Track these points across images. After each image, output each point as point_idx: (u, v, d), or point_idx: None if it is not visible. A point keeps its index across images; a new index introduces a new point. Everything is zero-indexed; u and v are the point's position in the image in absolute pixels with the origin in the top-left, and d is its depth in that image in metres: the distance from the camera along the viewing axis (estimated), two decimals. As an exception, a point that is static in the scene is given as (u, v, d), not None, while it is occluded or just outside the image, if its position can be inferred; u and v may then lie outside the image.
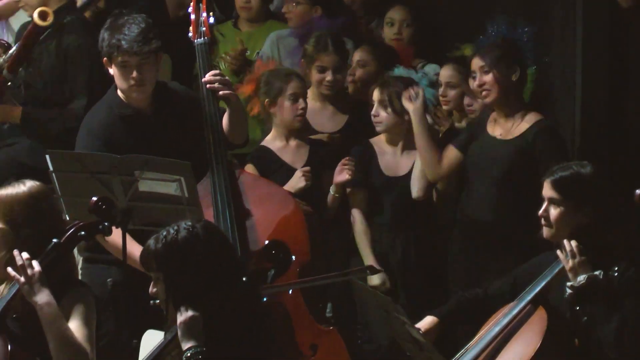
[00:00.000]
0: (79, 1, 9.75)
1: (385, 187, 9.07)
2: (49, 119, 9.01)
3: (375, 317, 8.15)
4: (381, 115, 8.98)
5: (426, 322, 7.37)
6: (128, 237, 7.49)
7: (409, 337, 6.85)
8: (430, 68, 9.63)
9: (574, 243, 7.03)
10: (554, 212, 7.15)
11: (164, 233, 6.23)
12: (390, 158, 9.07)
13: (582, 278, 6.96)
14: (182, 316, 6.16)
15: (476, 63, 8.74)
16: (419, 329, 7.13)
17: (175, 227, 6.23)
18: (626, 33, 9.73)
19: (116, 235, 7.28)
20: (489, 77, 8.61)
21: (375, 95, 9.01)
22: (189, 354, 6.06)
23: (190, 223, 6.31)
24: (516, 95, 8.70)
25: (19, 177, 7.08)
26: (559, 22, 10.11)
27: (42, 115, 9.07)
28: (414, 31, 10.23)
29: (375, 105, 8.99)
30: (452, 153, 8.82)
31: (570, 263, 6.98)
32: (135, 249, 7.47)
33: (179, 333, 6.17)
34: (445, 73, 9.40)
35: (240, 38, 10.40)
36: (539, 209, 7.35)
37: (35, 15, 8.80)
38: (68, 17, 9.01)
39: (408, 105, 8.85)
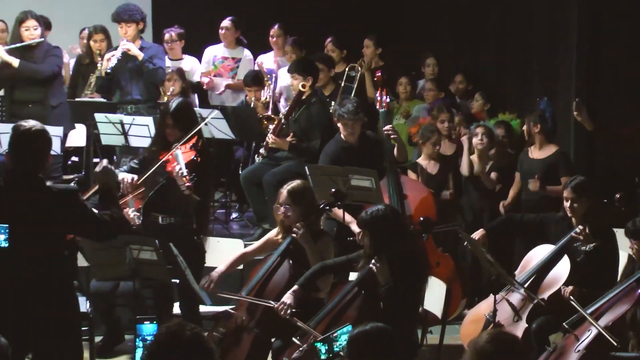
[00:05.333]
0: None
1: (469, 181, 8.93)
2: (303, 149, 8.79)
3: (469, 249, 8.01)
4: (485, 142, 8.77)
5: (478, 233, 7.32)
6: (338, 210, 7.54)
7: (486, 259, 6.77)
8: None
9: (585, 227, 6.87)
10: (574, 203, 6.99)
11: (370, 210, 6.26)
12: (479, 165, 8.81)
13: (591, 246, 6.89)
14: (380, 261, 6.10)
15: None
16: (490, 254, 6.90)
17: (377, 208, 6.28)
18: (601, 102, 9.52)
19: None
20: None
21: (480, 130, 8.84)
22: (386, 288, 6.07)
23: (384, 207, 6.36)
24: (544, 137, 8.57)
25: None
26: (564, 92, 9.90)
27: (300, 146, 8.82)
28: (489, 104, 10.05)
29: (481, 134, 8.77)
30: (517, 175, 8.75)
31: (583, 235, 6.87)
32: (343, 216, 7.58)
33: (380, 274, 6.09)
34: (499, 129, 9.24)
35: (405, 108, 10.15)
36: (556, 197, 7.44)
37: (300, 86, 8.75)
38: (314, 99, 8.92)
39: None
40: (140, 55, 9.02)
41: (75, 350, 5.51)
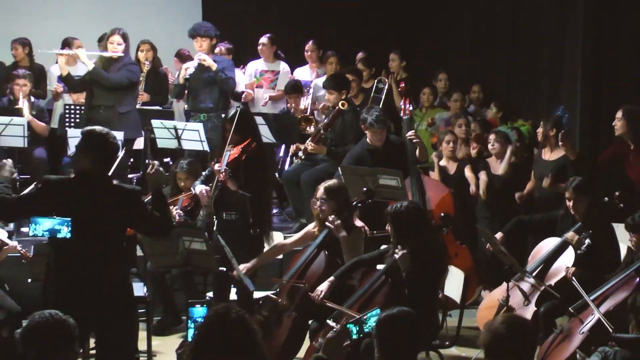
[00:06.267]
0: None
1: (492, 180, 8.83)
2: (339, 153, 8.62)
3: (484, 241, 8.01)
4: (496, 146, 8.81)
5: (498, 235, 7.33)
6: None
7: (500, 251, 6.85)
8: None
9: (576, 235, 6.87)
10: (576, 202, 7.00)
11: (395, 205, 6.27)
12: (494, 165, 8.85)
13: (584, 247, 6.84)
14: (402, 250, 6.10)
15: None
16: (503, 246, 7.02)
17: (401, 203, 6.29)
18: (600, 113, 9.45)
19: None
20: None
21: (492, 137, 8.88)
22: (406, 273, 6.09)
23: (407, 203, 6.34)
24: (555, 141, 8.48)
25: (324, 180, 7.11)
26: (570, 100, 9.81)
27: (337, 151, 8.73)
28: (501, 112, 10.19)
29: (493, 140, 8.80)
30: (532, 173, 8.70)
31: (575, 240, 6.86)
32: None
33: (401, 261, 6.09)
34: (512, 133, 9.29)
35: (426, 115, 10.18)
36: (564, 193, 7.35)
37: (340, 104, 8.67)
38: (348, 107, 8.81)
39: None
40: (214, 66, 9.12)
41: (131, 330, 5.54)
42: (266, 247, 7.03)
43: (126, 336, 5.43)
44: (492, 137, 8.93)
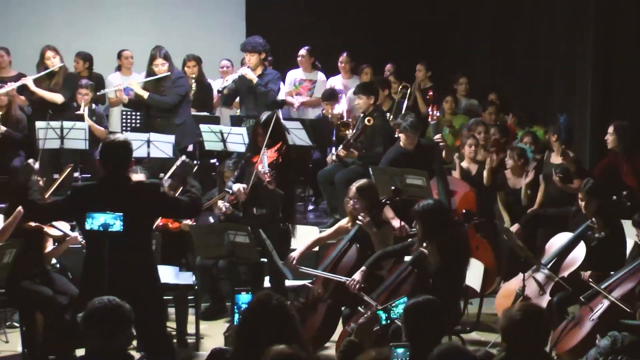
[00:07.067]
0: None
1: (510, 193, 8.74)
2: (370, 156, 8.55)
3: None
4: (509, 163, 8.73)
5: (514, 227, 7.39)
6: (387, 208, 7.22)
7: (517, 244, 6.81)
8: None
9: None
10: (587, 203, 6.89)
11: (422, 203, 6.27)
12: (512, 179, 8.73)
13: (602, 234, 6.81)
14: (431, 245, 6.08)
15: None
16: (520, 242, 6.99)
17: (427, 201, 6.29)
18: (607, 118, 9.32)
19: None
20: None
21: (509, 152, 8.82)
22: (436, 267, 6.05)
23: (433, 200, 6.34)
24: (557, 146, 8.51)
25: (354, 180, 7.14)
26: (581, 108, 9.86)
27: (368, 155, 8.62)
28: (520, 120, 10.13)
29: (509, 156, 8.74)
30: (540, 177, 8.65)
31: (596, 225, 6.84)
32: (388, 211, 7.30)
33: (429, 254, 6.05)
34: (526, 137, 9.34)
35: (449, 119, 10.15)
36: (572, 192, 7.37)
37: (366, 120, 8.52)
38: (376, 113, 8.72)
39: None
40: (254, 79, 9.09)
41: (160, 315, 5.65)
42: (293, 239, 7.06)
43: (155, 321, 5.47)
44: (509, 152, 8.88)
